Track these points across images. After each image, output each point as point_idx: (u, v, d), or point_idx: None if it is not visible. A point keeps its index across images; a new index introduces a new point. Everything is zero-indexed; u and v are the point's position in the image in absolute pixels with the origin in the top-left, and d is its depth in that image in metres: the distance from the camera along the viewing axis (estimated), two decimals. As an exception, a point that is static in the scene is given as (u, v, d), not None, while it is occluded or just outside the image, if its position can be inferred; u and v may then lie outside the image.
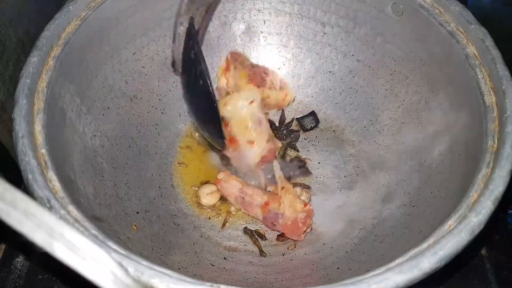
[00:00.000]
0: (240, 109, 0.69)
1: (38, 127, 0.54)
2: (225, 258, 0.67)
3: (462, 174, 0.57)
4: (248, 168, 0.72)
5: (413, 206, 0.64)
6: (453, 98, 0.65)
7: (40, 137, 0.54)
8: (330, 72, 0.82)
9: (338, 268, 0.62)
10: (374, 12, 0.74)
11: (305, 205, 0.68)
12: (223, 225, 0.71)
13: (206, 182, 0.75)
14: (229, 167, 0.75)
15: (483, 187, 0.51)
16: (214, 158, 0.78)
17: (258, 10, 0.82)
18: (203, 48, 0.82)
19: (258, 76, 0.75)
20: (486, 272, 0.69)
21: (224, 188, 0.71)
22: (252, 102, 0.70)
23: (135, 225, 0.64)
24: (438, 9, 0.67)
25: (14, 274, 0.67)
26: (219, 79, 0.77)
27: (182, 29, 0.66)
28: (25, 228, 0.33)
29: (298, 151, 0.80)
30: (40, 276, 0.67)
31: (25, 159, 0.50)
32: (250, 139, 0.70)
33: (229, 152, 0.72)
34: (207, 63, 0.82)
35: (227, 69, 0.75)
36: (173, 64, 0.69)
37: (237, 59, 0.76)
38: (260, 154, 0.70)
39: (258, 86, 0.74)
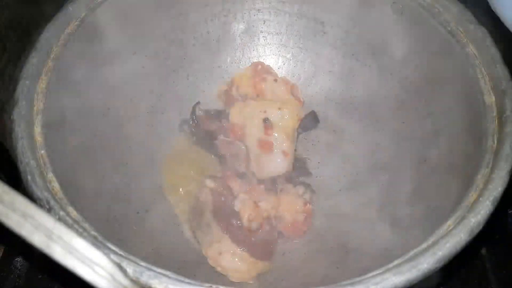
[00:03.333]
0: (289, 119, 0.70)
1: (38, 128, 0.55)
2: (225, 258, 0.67)
3: (461, 174, 0.57)
4: (266, 175, 0.71)
5: (413, 206, 0.64)
6: (452, 98, 0.65)
7: (39, 138, 0.54)
8: (330, 72, 0.82)
9: (338, 268, 0.62)
10: (374, 12, 0.74)
11: (305, 205, 0.68)
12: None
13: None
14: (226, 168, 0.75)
15: (482, 187, 0.51)
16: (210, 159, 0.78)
17: (258, 10, 0.82)
18: (203, 48, 0.82)
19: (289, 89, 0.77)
20: (486, 272, 0.69)
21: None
22: (300, 119, 0.72)
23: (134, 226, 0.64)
24: (438, 8, 0.67)
25: (14, 274, 0.67)
26: (233, 85, 0.78)
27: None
28: (23, 230, 0.33)
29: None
30: (40, 276, 0.67)
31: (25, 160, 0.51)
32: (286, 150, 0.70)
33: (255, 152, 0.71)
34: (207, 63, 0.83)
35: (263, 79, 0.75)
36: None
37: (264, 70, 0.77)
38: (287, 167, 0.70)
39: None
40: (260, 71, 0.77)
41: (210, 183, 0.66)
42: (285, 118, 0.69)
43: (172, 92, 0.81)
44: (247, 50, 0.85)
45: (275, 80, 0.75)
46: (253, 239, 0.61)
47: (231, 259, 0.61)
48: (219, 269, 0.61)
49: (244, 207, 0.63)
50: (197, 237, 0.66)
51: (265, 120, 0.69)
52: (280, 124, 0.69)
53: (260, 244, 0.61)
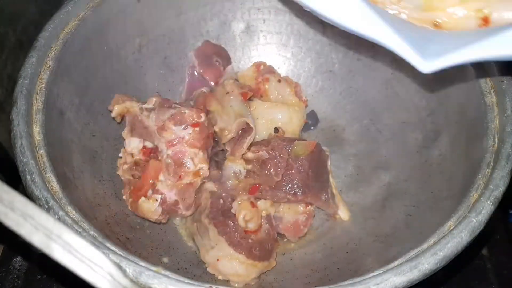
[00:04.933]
0: (296, 121, 0.71)
1: (37, 128, 0.54)
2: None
3: (462, 174, 0.57)
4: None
5: (414, 206, 0.64)
6: (453, 98, 0.65)
7: (38, 138, 0.54)
8: (330, 71, 0.82)
9: (338, 268, 0.62)
10: (374, 11, 0.74)
11: (307, 206, 0.68)
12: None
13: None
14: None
15: (483, 187, 0.51)
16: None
17: (258, 9, 0.82)
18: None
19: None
20: (487, 272, 0.68)
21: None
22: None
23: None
24: (438, 8, 0.67)
25: (13, 274, 0.67)
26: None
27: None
28: (23, 230, 0.33)
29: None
30: (39, 276, 0.67)
31: (24, 160, 0.50)
32: None
33: None
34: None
35: (266, 79, 0.75)
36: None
37: (266, 70, 0.77)
38: None
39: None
40: (263, 71, 0.76)
41: (210, 186, 0.66)
42: (293, 121, 0.70)
43: (172, 91, 0.81)
44: (247, 49, 0.84)
45: (279, 81, 0.75)
46: (250, 240, 0.61)
47: (229, 264, 0.60)
48: (220, 277, 0.61)
49: (240, 207, 0.62)
50: (195, 241, 0.65)
51: (276, 130, 0.69)
52: (287, 127, 0.69)
53: (257, 245, 0.61)
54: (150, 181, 0.62)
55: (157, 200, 0.62)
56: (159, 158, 0.63)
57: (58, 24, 0.63)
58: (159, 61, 0.79)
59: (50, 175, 0.51)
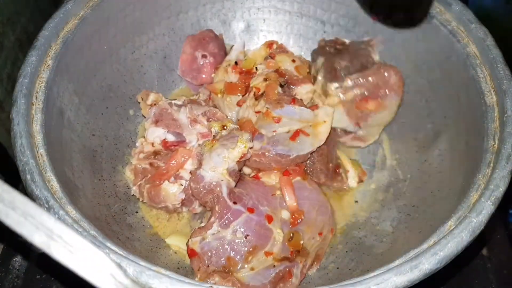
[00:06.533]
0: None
1: (37, 127, 0.54)
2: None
3: (462, 174, 0.57)
4: None
5: (413, 206, 0.64)
6: (453, 98, 0.65)
7: (38, 137, 0.54)
8: (330, 71, 0.82)
9: (337, 268, 0.62)
10: (375, 11, 0.74)
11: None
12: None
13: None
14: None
15: (483, 187, 0.51)
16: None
17: (258, 8, 0.82)
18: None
19: None
20: (487, 272, 0.68)
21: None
22: None
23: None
24: (438, 8, 0.67)
25: (12, 274, 0.67)
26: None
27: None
28: (24, 229, 0.33)
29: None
30: (38, 276, 0.66)
31: (24, 159, 0.50)
32: None
33: None
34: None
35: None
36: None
37: (279, 48, 0.77)
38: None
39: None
40: (275, 50, 0.76)
41: None
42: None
43: (172, 90, 0.81)
44: (247, 49, 0.84)
45: (293, 61, 0.74)
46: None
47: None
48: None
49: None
50: None
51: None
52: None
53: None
54: (173, 162, 0.64)
55: (181, 185, 0.63)
56: (187, 148, 0.66)
57: (58, 23, 0.62)
58: (159, 60, 0.79)
59: (50, 175, 0.51)
